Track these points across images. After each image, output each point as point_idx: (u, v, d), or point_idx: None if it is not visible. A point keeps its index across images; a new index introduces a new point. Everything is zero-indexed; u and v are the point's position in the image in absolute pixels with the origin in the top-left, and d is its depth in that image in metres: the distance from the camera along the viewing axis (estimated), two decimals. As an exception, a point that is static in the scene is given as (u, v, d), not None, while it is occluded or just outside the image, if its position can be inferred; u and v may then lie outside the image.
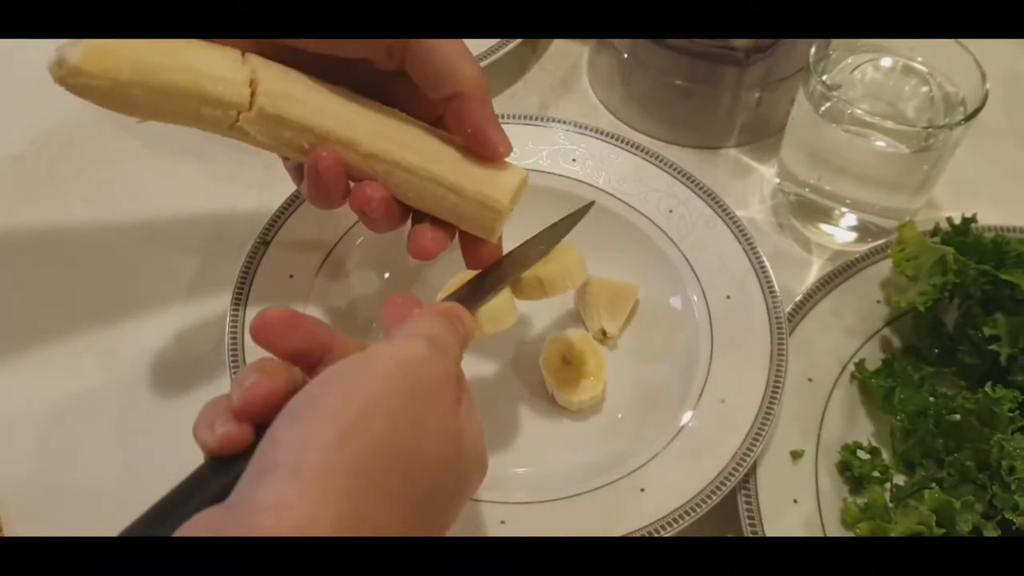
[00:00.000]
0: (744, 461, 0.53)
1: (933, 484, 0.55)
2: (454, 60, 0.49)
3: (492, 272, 0.53)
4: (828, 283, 0.63)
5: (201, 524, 0.34)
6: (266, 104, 0.47)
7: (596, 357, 0.60)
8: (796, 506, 0.54)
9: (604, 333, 0.63)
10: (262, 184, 0.70)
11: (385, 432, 0.36)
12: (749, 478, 0.54)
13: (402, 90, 0.51)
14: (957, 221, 0.62)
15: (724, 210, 0.65)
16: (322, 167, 0.48)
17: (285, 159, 0.53)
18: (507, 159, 0.51)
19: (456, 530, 0.51)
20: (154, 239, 0.69)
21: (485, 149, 0.50)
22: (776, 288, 0.61)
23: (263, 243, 0.61)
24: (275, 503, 0.33)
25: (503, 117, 0.67)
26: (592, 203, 0.59)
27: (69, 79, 0.44)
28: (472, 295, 0.51)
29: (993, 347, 0.57)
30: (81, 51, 0.44)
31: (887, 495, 0.56)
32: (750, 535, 0.52)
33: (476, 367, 0.62)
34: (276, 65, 0.49)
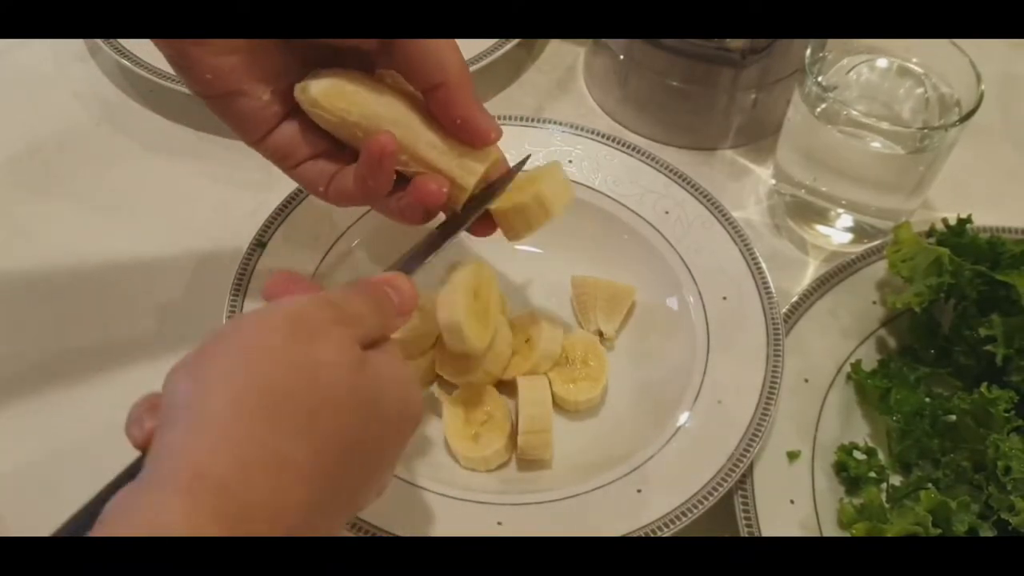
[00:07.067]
0: (741, 462, 0.53)
1: (929, 485, 0.55)
2: (440, 50, 0.48)
3: (449, 222, 0.52)
4: (824, 284, 0.63)
5: (119, 500, 0.34)
6: None
7: (597, 359, 0.60)
8: (792, 507, 0.54)
9: (601, 334, 0.63)
10: (258, 185, 0.70)
11: (269, 370, 0.36)
12: (746, 479, 0.54)
13: (382, 65, 0.50)
14: (953, 222, 0.62)
15: (720, 211, 0.65)
16: (387, 152, 0.47)
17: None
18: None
19: (454, 530, 0.52)
20: (150, 240, 0.69)
21: (476, 137, 0.50)
22: (772, 289, 0.61)
23: (259, 244, 0.61)
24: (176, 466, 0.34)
25: (499, 119, 0.67)
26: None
27: (307, 105, 0.49)
28: (426, 249, 0.50)
29: (989, 348, 0.57)
30: (323, 87, 0.48)
31: (883, 495, 0.56)
32: (747, 535, 0.52)
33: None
34: None
